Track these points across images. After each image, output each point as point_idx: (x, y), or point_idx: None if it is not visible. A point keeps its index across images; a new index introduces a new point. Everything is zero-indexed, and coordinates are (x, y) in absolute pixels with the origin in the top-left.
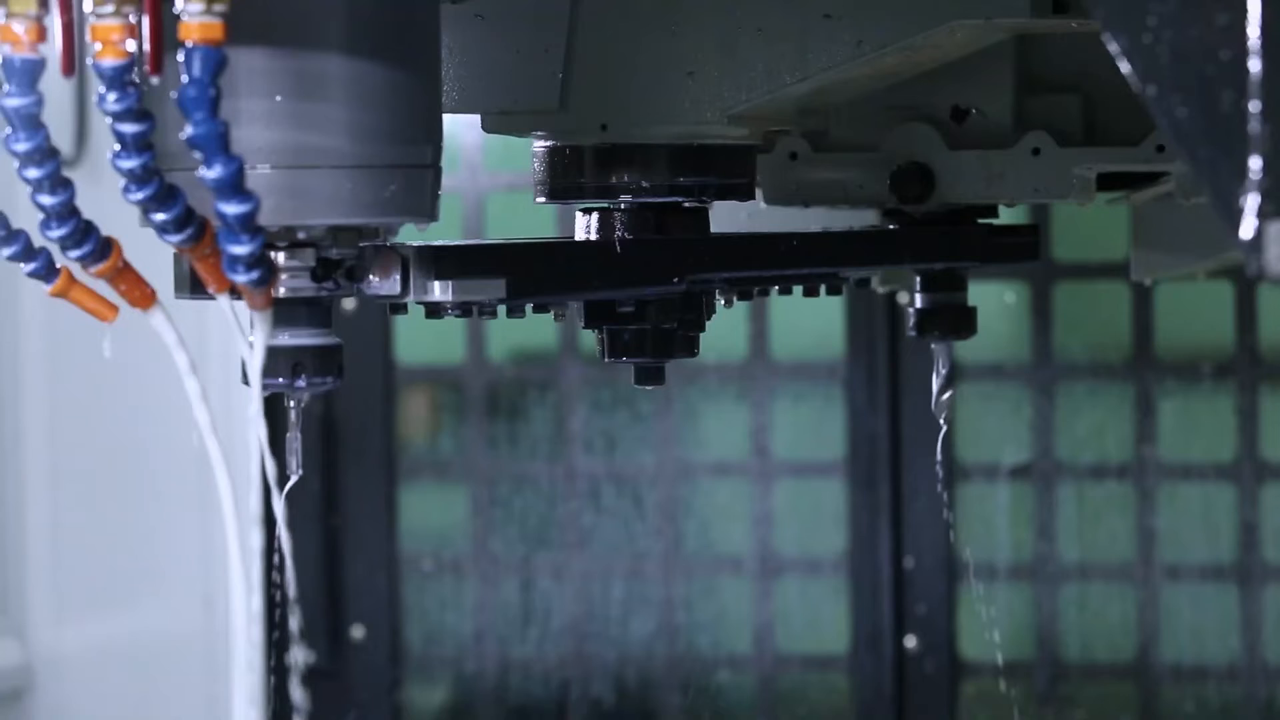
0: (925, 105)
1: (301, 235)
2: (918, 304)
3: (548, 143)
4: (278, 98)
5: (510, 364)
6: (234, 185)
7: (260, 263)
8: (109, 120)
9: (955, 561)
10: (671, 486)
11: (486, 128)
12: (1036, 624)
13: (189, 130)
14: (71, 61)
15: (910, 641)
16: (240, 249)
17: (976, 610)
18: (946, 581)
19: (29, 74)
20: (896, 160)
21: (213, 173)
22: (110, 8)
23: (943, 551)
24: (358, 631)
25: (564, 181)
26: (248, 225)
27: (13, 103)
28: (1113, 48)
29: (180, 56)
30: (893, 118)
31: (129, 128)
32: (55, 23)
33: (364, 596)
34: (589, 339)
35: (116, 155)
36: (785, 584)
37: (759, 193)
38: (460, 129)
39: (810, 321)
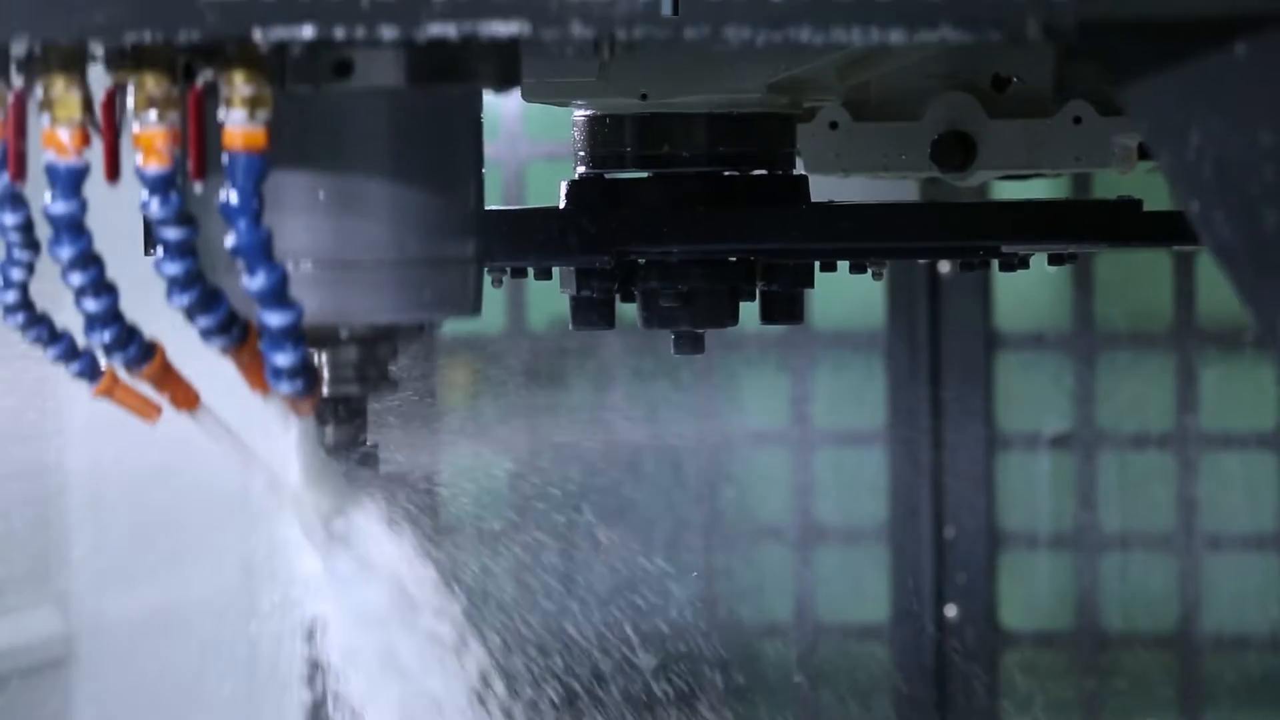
0: (966, 74)
1: (344, 333)
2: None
3: (588, 112)
4: (320, 195)
5: (550, 333)
6: (277, 294)
7: (303, 372)
8: (153, 226)
9: (996, 530)
10: (712, 455)
11: (526, 96)
12: (1077, 593)
13: (232, 240)
14: (115, 167)
15: (951, 611)
16: (284, 359)
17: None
18: (987, 550)
19: (73, 180)
20: (937, 129)
21: (256, 282)
22: (153, 114)
23: (983, 520)
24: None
25: (604, 150)
26: (291, 334)
27: (58, 209)
28: (1157, 160)
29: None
30: (933, 86)
31: (172, 233)
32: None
33: None
34: (628, 309)
35: (160, 261)
36: (826, 553)
37: (799, 162)
38: (500, 97)
39: (851, 290)
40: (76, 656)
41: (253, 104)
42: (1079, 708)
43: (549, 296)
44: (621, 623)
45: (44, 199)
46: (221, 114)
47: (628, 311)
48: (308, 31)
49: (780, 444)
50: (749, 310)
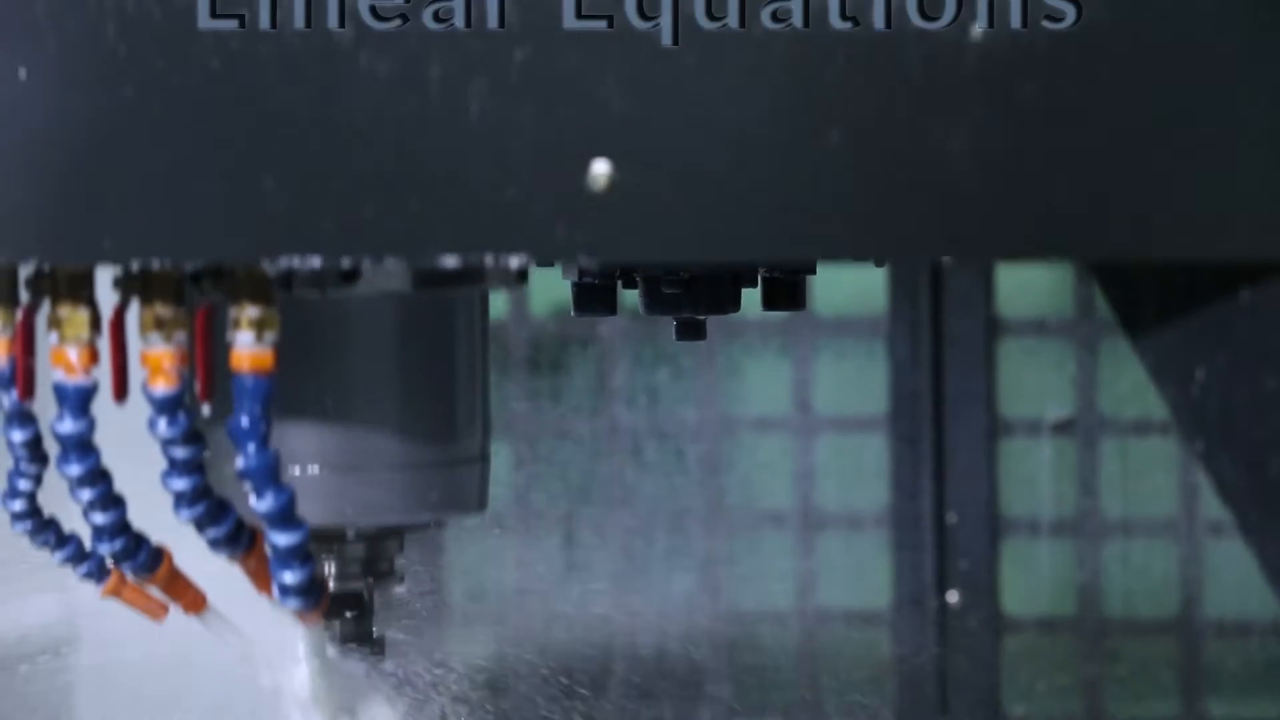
0: None
1: (350, 533)
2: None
3: None
4: (328, 401)
5: (552, 319)
6: (285, 516)
7: (312, 589)
8: (160, 445)
9: (998, 517)
10: (714, 441)
11: None
12: (1079, 580)
13: (240, 462)
14: (123, 386)
15: (952, 597)
16: (292, 577)
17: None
18: (989, 537)
19: (81, 399)
20: None
21: (264, 504)
22: (160, 334)
23: (985, 507)
24: (400, 586)
25: None
26: (299, 554)
27: (66, 429)
28: (1161, 395)
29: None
30: None
31: (180, 452)
32: (106, 346)
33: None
34: (630, 295)
35: (167, 475)
36: (827, 539)
37: None
38: None
39: (853, 277)
40: (76, 644)
41: (260, 326)
42: (1080, 694)
43: (551, 283)
44: (622, 609)
45: (52, 416)
46: (229, 335)
47: (630, 298)
48: (316, 261)
49: (782, 430)
50: (751, 296)
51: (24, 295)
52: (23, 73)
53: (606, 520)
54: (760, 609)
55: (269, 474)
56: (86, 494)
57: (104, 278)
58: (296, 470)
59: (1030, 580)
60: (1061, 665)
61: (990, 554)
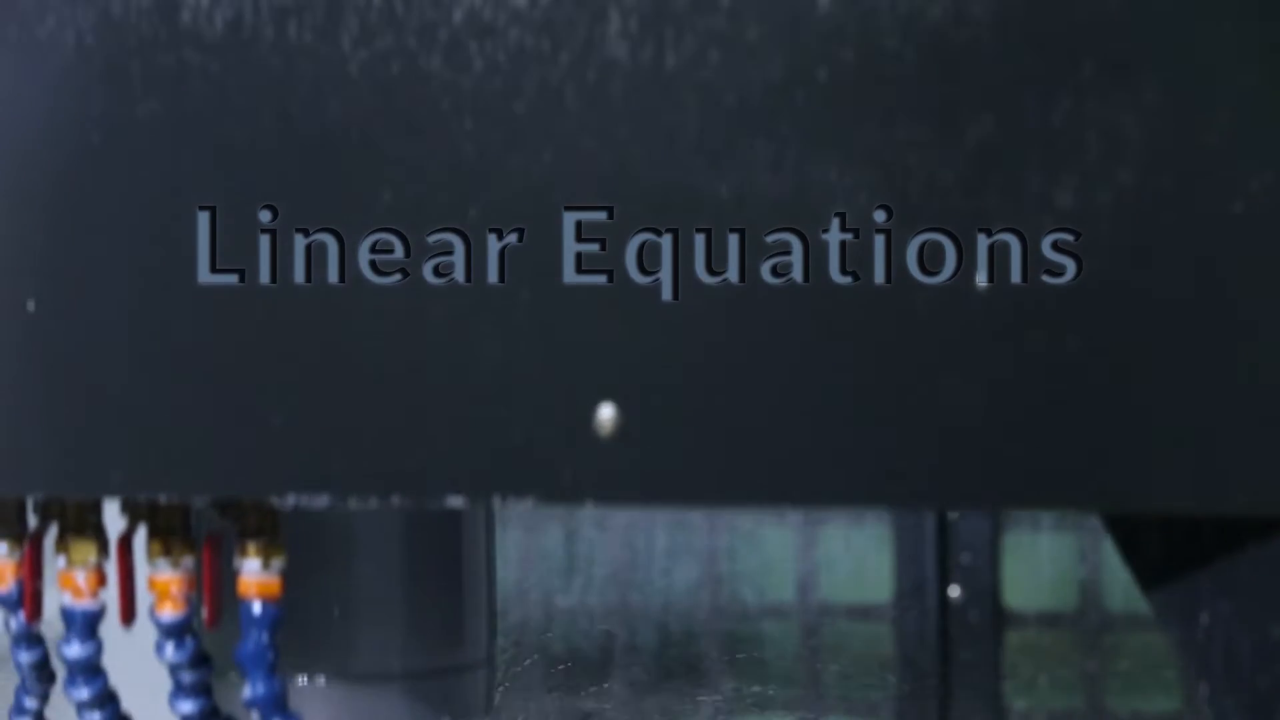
0: None
1: None
2: None
3: None
4: (335, 613)
5: None
6: None
7: None
8: (168, 669)
9: (999, 511)
10: None
11: None
12: (1081, 574)
13: (248, 691)
14: (130, 610)
15: (954, 591)
16: None
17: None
18: (991, 531)
19: (89, 623)
20: None
21: None
22: (166, 561)
23: None
24: None
25: None
26: None
27: (74, 653)
28: (1166, 633)
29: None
30: None
31: (188, 676)
32: (113, 570)
33: None
34: None
35: (174, 698)
36: (829, 534)
37: None
38: None
39: None
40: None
41: (266, 554)
42: (1082, 688)
43: None
44: (624, 603)
45: (60, 640)
46: (236, 563)
47: None
48: (322, 500)
49: None
50: None
51: (32, 519)
52: (31, 305)
53: (607, 513)
54: (761, 603)
55: (276, 703)
56: (95, 717)
57: (112, 503)
58: (303, 680)
59: (1032, 574)
60: (1063, 659)
61: (992, 548)
